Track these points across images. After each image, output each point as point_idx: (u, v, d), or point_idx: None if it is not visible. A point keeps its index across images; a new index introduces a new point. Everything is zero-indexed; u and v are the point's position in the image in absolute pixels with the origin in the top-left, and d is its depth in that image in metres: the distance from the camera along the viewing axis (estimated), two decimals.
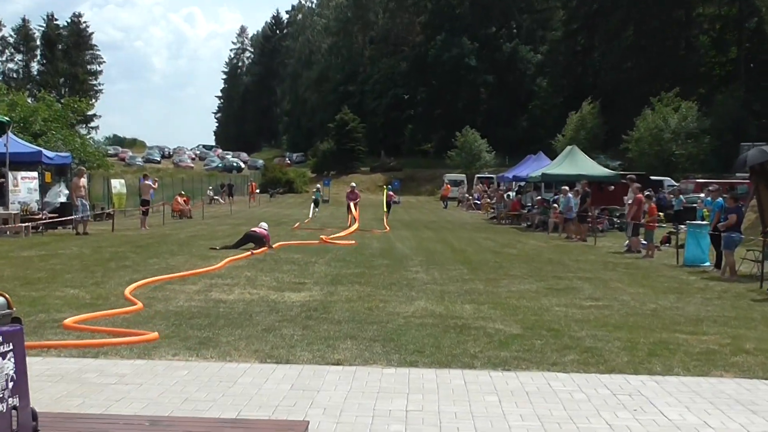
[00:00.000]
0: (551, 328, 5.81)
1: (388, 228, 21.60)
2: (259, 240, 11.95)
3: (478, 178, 40.20)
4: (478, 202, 33.51)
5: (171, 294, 7.19)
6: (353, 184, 20.68)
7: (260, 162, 71.79)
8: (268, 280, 8.40)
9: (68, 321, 5.55)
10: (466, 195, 37.73)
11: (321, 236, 15.38)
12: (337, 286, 8.00)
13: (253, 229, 12.61)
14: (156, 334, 5.19)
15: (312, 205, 28.61)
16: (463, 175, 46.00)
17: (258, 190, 41.10)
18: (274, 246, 12.45)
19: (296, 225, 20.76)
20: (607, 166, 26.82)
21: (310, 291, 7.63)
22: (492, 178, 38.83)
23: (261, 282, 8.24)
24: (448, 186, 37.52)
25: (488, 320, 6.11)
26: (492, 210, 28.46)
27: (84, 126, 52.44)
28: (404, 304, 6.83)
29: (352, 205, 20.15)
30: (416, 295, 7.48)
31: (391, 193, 35.22)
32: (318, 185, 35.79)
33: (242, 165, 67.06)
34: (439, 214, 30.69)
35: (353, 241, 14.36)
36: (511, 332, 5.62)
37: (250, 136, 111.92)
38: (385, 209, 26.37)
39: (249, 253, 11.20)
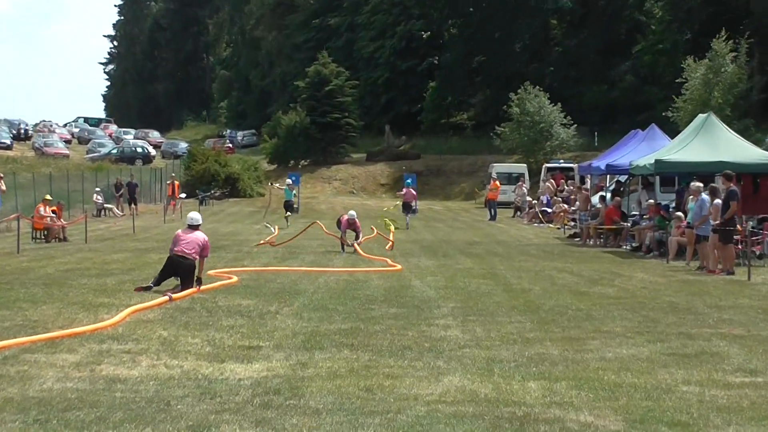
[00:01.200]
0: (676, 422, 5.80)
1: (391, 242, 22.05)
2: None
3: (549, 169, 40.59)
4: (549, 210, 33.82)
5: (32, 369, 7.21)
6: (352, 213, 20.84)
7: (183, 146, 72.43)
8: (197, 344, 8.43)
9: None
10: (528, 198, 37.87)
11: (353, 243, 18.95)
12: (314, 353, 8.03)
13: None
14: None
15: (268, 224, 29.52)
16: (523, 165, 46.40)
17: (183, 195, 41.29)
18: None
19: (262, 241, 21.74)
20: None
21: (268, 360, 7.66)
22: (571, 168, 39.18)
23: (185, 346, 8.29)
24: (497, 183, 37.57)
25: (568, 408, 6.11)
26: (572, 222, 28.65)
27: None
28: (426, 382, 6.87)
29: (345, 234, 20.46)
30: (446, 365, 7.52)
31: (411, 189, 35.45)
32: (289, 180, 36.10)
33: (152, 151, 67.50)
34: (483, 229, 30.89)
35: (398, 266, 16.33)
36: (609, 429, 5.61)
37: (164, 102, 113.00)
38: (391, 226, 26.56)
39: (165, 297, 11.25)
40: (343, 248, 20.11)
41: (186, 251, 12.22)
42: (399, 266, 16.42)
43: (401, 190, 36.18)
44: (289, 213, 32.97)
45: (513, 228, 31.57)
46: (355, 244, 20.10)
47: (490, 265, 17.45)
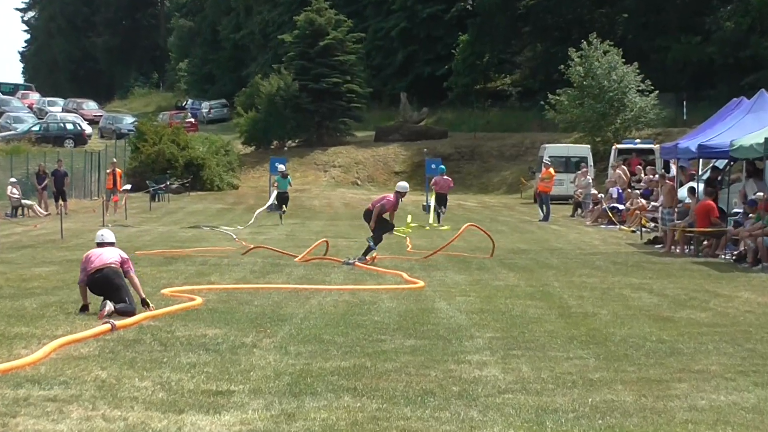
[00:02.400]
0: None
1: (410, 247, 21.87)
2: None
3: (621, 151, 40.69)
4: (620, 207, 33.97)
5: None
6: (404, 186, 21.46)
7: (128, 121, 72.80)
8: (146, 388, 8.44)
9: None
10: (593, 191, 37.84)
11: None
12: (304, 400, 8.04)
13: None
14: None
15: (272, 200, 29.71)
16: (585, 146, 46.46)
17: (128, 186, 41.35)
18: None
19: (246, 249, 22.45)
20: None
21: (241, 410, 7.67)
22: (651, 150, 39.27)
23: (131, 391, 8.30)
24: (551, 170, 37.56)
25: None
26: (652, 224, 28.65)
27: None
28: None
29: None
30: (481, 417, 7.53)
31: (446, 177, 35.76)
32: (281, 167, 36.75)
33: (86, 128, 67.86)
34: (532, 233, 30.99)
35: (419, 283, 16.37)
36: None
37: (103, 62, 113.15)
38: (406, 227, 26.69)
39: (107, 325, 11.27)
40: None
41: (105, 262, 12.63)
42: (420, 282, 16.43)
43: (432, 182, 36.59)
44: (284, 208, 33.67)
45: (572, 231, 31.62)
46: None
47: (541, 280, 17.44)
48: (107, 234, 13.36)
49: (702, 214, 23.10)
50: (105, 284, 12.53)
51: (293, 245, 24.05)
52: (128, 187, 40.87)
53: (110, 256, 12.77)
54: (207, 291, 15.17)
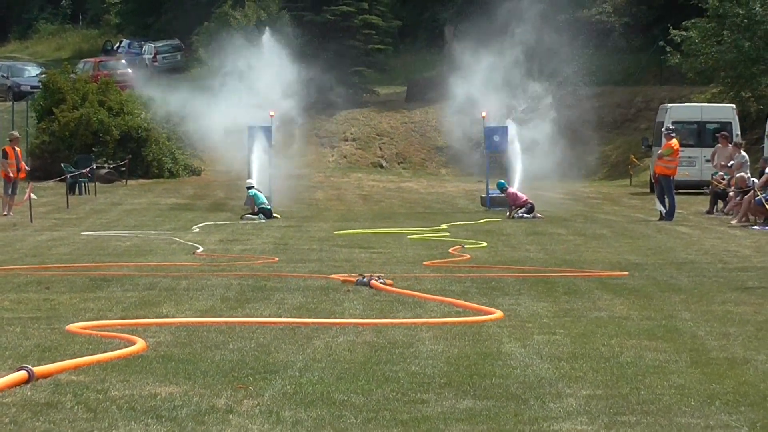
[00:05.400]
0: None
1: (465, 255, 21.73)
2: None
3: None
4: None
5: None
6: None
7: (31, 73, 72.97)
8: None
9: None
10: (742, 173, 37.74)
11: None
12: None
13: None
14: None
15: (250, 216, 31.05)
16: (729, 106, 46.13)
17: (28, 170, 41.58)
18: None
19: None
20: None
21: None
22: None
23: None
24: (675, 142, 37.45)
25: None
26: None
27: None
28: None
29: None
30: None
31: (513, 191, 37.13)
32: (250, 181, 37.73)
33: None
34: (648, 237, 31.08)
35: (495, 312, 16.71)
36: None
37: None
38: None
39: (22, 372, 11.35)
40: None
41: None
42: (497, 312, 16.61)
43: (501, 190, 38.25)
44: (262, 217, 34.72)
45: (710, 234, 31.59)
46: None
47: (664, 310, 17.42)
48: None
49: None
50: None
51: (286, 259, 24.10)
52: (28, 170, 41.05)
53: None
54: (156, 325, 15.20)
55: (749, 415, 10.37)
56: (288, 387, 11.58)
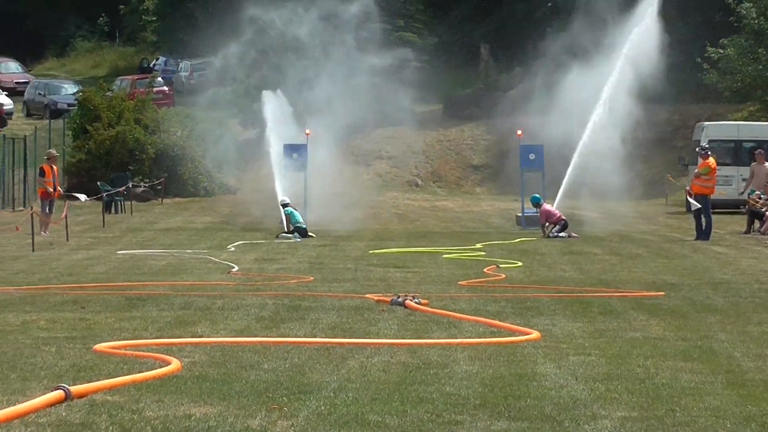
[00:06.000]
0: None
1: (501, 275, 21.84)
2: None
3: None
4: None
5: None
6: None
7: (69, 91, 72.98)
8: None
9: None
10: None
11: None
12: None
13: None
14: None
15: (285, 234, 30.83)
16: (766, 123, 45.73)
17: (83, 197, 41.56)
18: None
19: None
20: None
21: None
22: None
23: None
24: (712, 161, 37.32)
25: None
26: None
27: None
28: None
29: None
30: None
31: (547, 206, 37.21)
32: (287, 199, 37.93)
33: (5, 102, 68.50)
34: (684, 258, 30.99)
35: (533, 333, 16.69)
36: None
37: (24, 5, 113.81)
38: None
39: (59, 392, 11.35)
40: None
41: None
42: (534, 332, 16.58)
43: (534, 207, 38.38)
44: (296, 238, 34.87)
45: (747, 255, 31.49)
46: None
47: (700, 331, 17.36)
48: None
49: None
50: None
51: (321, 278, 24.13)
52: (83, 197, 41.23)
53: None
54: (191, 345, 15.22)
55: None
56: (322, 407, 11.59)
